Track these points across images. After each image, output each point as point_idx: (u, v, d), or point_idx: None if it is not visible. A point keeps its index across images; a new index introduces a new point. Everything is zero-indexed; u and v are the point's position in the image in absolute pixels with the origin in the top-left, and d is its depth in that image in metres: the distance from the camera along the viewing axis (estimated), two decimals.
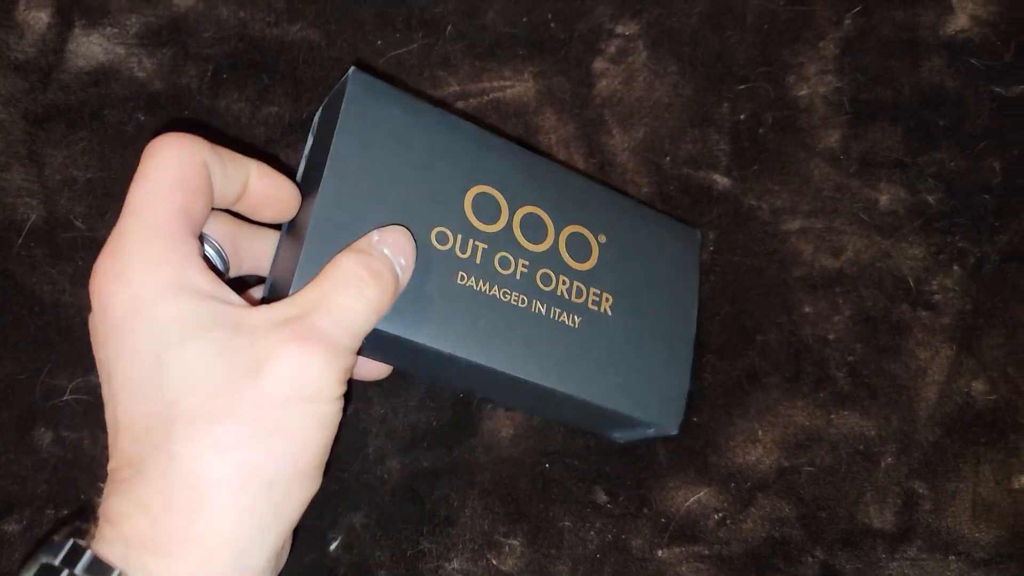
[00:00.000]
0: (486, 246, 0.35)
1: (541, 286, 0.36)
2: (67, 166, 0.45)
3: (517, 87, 0.46)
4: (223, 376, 0.26)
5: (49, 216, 0.44)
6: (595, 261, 0.37)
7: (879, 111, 0.46)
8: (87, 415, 0.40)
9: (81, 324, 0.44)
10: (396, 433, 0.43)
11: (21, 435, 0.40)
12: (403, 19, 0.47)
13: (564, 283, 0.36)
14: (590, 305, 0.37)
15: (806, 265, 0.44)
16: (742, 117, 0.46)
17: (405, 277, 0.32)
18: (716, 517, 0.42)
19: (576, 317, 0.36)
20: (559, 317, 0.36)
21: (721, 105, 0.46)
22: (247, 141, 0.46)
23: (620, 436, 0.41)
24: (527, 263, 0.36)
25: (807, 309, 0.44)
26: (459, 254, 0.35)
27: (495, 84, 0.46)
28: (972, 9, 0.47)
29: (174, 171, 0.28)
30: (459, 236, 0.35)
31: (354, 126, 0.34)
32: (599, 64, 0.47)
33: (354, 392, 0.43)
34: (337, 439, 0.42)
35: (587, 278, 0.37)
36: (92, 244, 0.44)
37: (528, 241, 0.36)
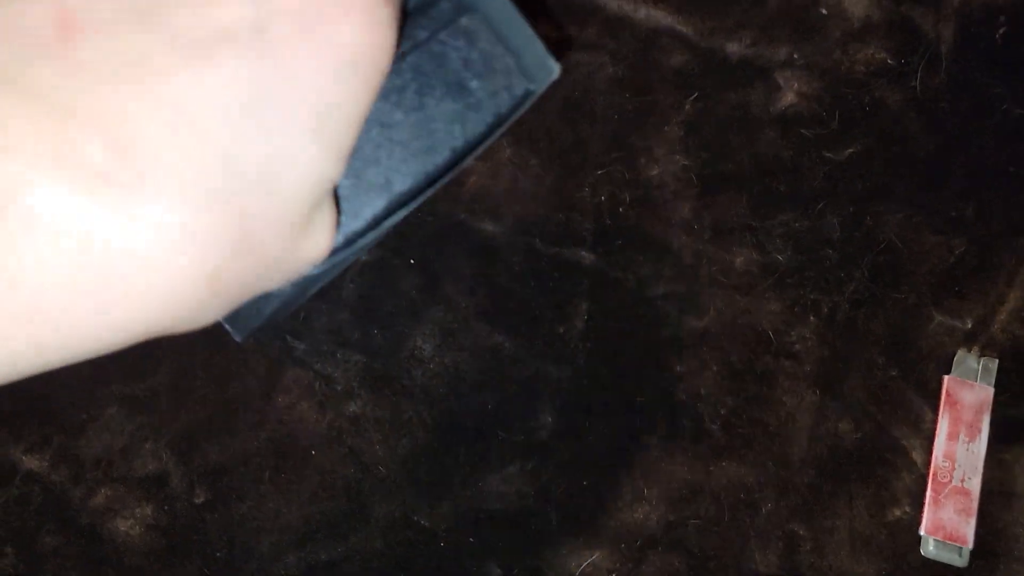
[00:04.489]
0: None
1: None
2: None
3: None
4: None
5: None
6: None
7: (725, 182, 0.50)
8: None
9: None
10: (290, 527, 0.44)
11: None
12: None
13: None
14: None
15: (673, 326, 0.47)
16: (602, 199, 0.50)
17: None
18: None
19: None
20: None
21: (582, 190, 0.50)
22: None
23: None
24: None
25: (678, 368, 0.47)
26: None
27: None
28: (797, 87, 0.52)
29: None
30: None
31: None
32: (467, 162, 0.51)
33: (243, 489, 0.44)
34: (229, 541, 0.43)
35: None
36: None
37: None
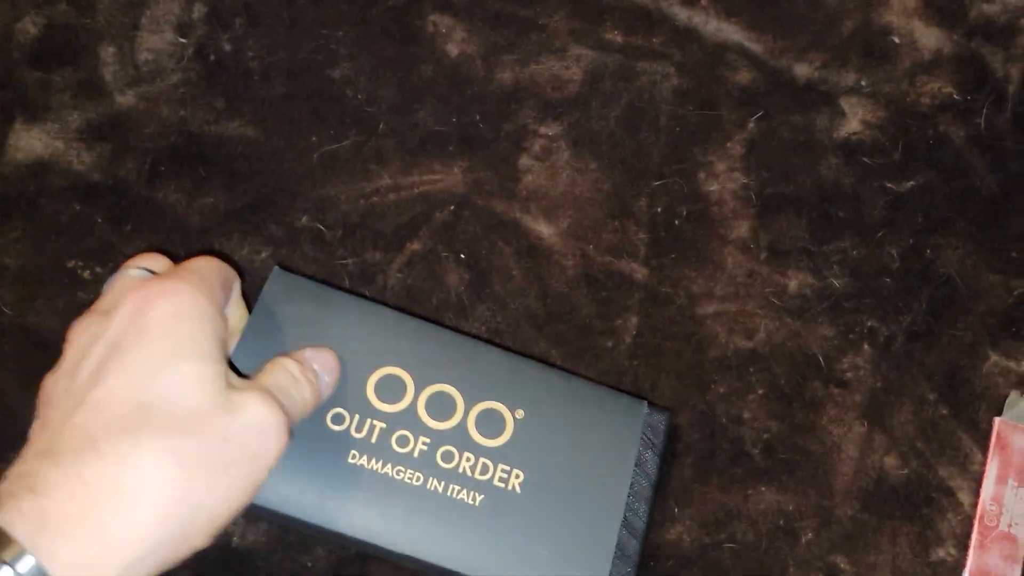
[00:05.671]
0: (384, 425, 0.37)
1: (441, 463, 0.37)
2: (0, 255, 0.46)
3: (447, 180, 0.49)
4: (206, 400, 0.30)
5: None
6: (508, 437, 0.38)
7: (784, 204, 0.50)
8: None
9: (7, 405, 0.43)
10: None
11: None
12: (337, 117, 0.49)
13: (468, 460, 0.37)
14: (496, 482, 0.37)
15: (721, 347, 0.46)
16: (658, 210, 0.49)
17: (327, 391, 0.37)
18: None
19: (477, 495, 0.36)
20: (457, 495, 0.36)
21: (639, 199, 0.49)
22: (182, 230, 0.47)
23: None
24: (428, 441, 0.37)
25: (722, 389, 0.46)
26: (354, 434, 0.36)
27: (425, 177, 0.49)
28: (862, 115, 0.51)
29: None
30: (356, 416, 0.37)
31: (266, 316, 0.38)
32: (525, 161, 0.50)
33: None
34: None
35: (495, 455, 0.37)
36: (19, 330, 0.44)
37: (432, 419, 0.37)
